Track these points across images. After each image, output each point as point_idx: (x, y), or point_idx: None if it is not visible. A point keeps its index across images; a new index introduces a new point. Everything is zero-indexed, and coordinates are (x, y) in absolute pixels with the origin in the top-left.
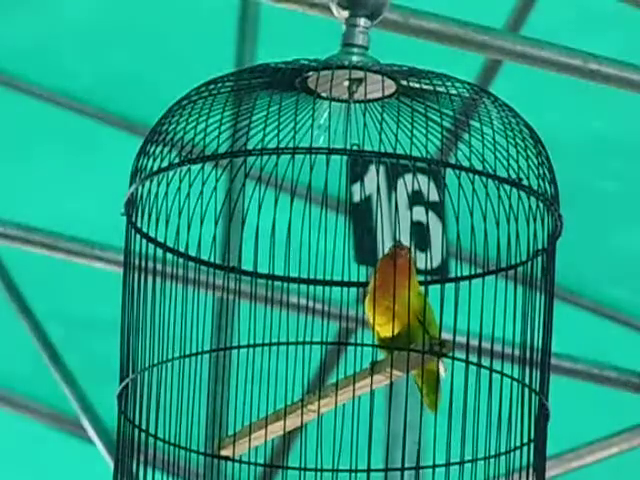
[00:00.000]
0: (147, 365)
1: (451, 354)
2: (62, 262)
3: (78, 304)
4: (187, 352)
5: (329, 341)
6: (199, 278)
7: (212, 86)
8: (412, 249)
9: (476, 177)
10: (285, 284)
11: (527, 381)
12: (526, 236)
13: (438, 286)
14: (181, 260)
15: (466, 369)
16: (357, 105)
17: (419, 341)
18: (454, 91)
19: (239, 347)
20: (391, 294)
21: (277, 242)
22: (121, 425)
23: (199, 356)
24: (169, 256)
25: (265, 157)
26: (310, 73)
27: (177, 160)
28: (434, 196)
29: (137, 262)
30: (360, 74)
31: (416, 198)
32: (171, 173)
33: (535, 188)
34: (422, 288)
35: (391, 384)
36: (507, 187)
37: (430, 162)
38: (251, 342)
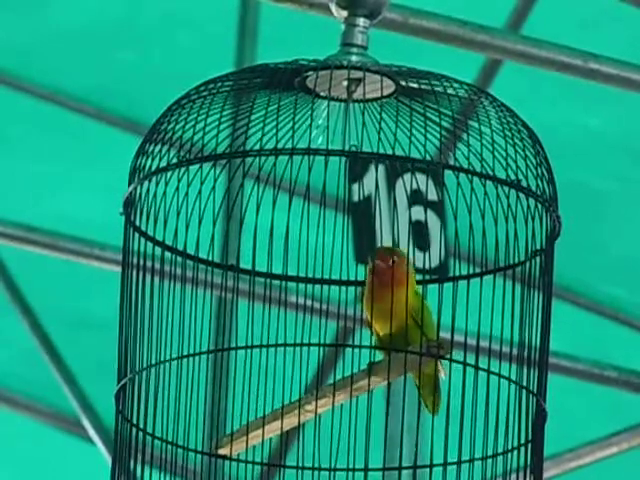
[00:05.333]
0: (145, 365)
1: (449, 356)
2: (62, 262)
3: (78, 304)
4: (185, 351)
5: (328, 341)
6: (197, 277)
7: (212, 85)
8: (410, 249)
9: (475, 177)
10: (284, 283)
11: (525, 382)
12: (524, 236)
13: (436, 285)
14: (180, 259)
15: (464, 370)
16: (356, 105)
17: (417, 342)
18: (452, 91)
19: (237, 348)
20: (389, 296)
21: (275, 241)
22: (119, 424)
23: (197, 355)
24: (168, 255)
25: (263, 157)
26: (309, 73)
27: (176, 159)
28: (433, 195)
29: (136, 261)
30: (359, 74)
31: (415, 197)
32: (170, 172)
33: (534, 188)
34: (420, 287)
35: (389, 385)
36: (506, 187)
37: (429, 164)
38: (249, 342)
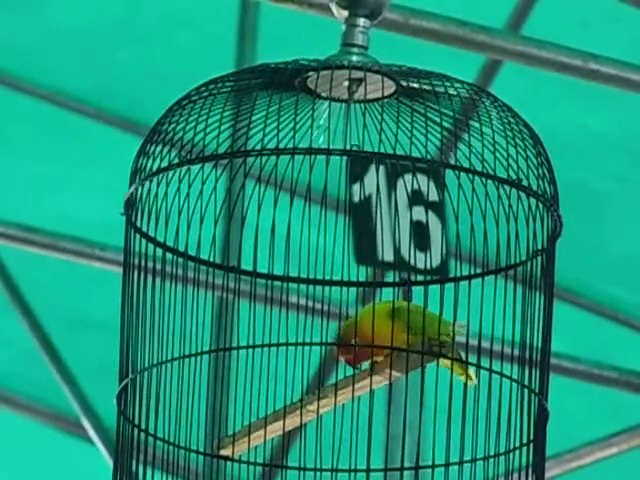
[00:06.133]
0: (147, 365)
1: (450, 354)
2: (62, 262)
3: (78, 304)
4: (187, 352)
5: (329, 341)
6: (199, 278)
7: (212, 86)
8: (410, 250)
9: (476, 177)
10: (285, 284)
11: (526, 382)
12: (525, 236)
13: (438, 286)
14: (181, 260)
15: (465, 370)
16: (357, 105)
17: (419, 344)
18: (454, 91)
19: (238, 348)
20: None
21: (277, 241)
22: (120, 425)
23: (199, 356)
24: (169, 256)
25: (265, 157)
26: (310, 73)
27: (177, 160)
28: (434, 196)
29: (137, 262)
30: (360, 74)
31: (416, 198)
32: (171, 173)
33: (535, 188)
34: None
35: (390, 384)
36: (507, 187)
37: (430, 163)
38: (251, 342)
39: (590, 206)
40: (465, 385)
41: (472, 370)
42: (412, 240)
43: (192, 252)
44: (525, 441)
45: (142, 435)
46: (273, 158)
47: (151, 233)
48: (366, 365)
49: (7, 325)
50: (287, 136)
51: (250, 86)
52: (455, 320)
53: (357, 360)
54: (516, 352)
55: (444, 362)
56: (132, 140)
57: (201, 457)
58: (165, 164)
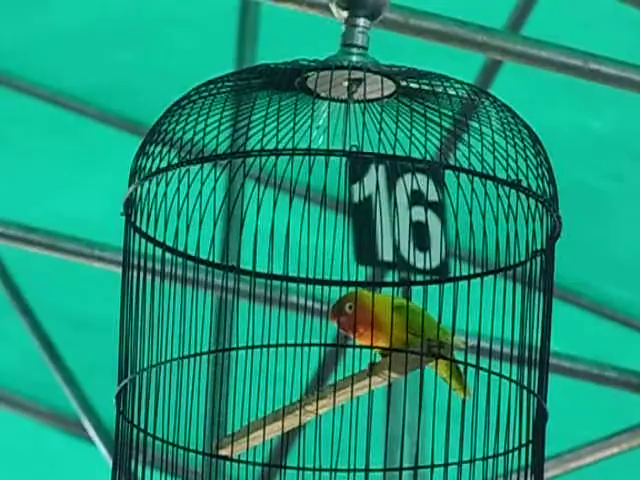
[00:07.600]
0: (146, 365)
1: (449, 355)
2: (62, 262)
3: (78, 304)
4: (186, 352)
5: (328, 341)
6: (198, 278)
7: (212, 86)
8: (410, 249)
9: (475, 178)
10: (284, 283)
11: (525, 382)
12: (525, 236)
13: (437, 286)
14: (180, 260)
15: (465, 370)
16: (356, 105)
17: (418, 344)
18: (453, 92)
19: (237, 348)
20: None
21: (276, 241)
22: (119, 425)
23: (198, 356)
24: (168, 256)
25: (264, 157)
26: (310, 73)
27: (176, 160)
28: (434, 196)
29: (136, 262)
30: (359, 74)
31: (416, 198)
32: (170, 173)
33: (534, 188)
34: (395, 298)
35: (390, 385)
36: (506, 187)
37: (429, 164)
38: (250, 342)
39: (590, 206)
40: (464, 386)
41: (469, 386)
42: (412, 240)
43: (192, 252)
44: (524, 442)
45: (141, 435)
46: (272, 158)
47: (151, 233)
48: (365, 365)
49: (7, 325)
50: (287, 136)
51: (250, 86)
52: (454, 324)
53: (355, 328)
54: (515, 352)
55: (442, 373)
56: (132, 140)
57: (200, 457)
58: (165, 164)
